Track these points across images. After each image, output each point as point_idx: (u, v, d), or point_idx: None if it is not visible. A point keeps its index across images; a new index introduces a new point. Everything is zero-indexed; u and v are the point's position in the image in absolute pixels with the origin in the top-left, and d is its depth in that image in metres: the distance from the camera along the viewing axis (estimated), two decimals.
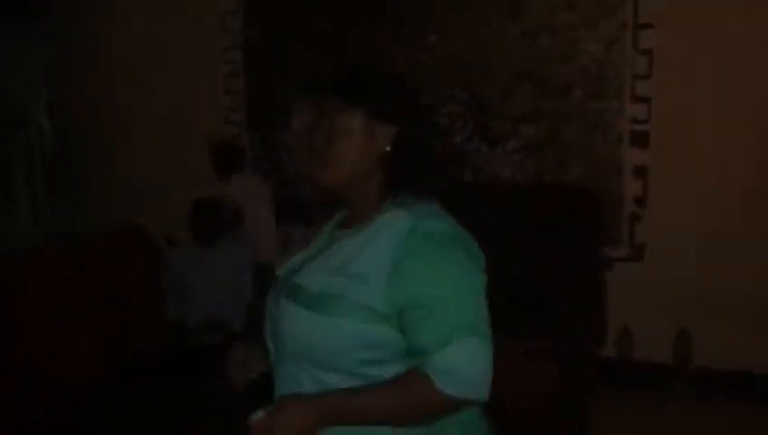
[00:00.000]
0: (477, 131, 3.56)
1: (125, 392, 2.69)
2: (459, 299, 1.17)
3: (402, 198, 1.26)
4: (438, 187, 1.30)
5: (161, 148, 4.21)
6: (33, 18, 4.29)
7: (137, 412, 2.57)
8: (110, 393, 2.70)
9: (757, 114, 3.11)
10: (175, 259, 3.33)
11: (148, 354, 2.99)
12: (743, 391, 3.18)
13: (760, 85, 3.10)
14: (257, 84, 4.00)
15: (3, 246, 4.26)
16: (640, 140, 3.31)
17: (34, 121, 4.45)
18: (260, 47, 3.94)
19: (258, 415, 1.16)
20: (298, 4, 3.87)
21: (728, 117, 3.15)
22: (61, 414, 2.59)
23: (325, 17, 3.78)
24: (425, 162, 1.29)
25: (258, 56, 3.96)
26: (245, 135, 4.08)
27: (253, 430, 1.16)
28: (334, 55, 3.76)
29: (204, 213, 3.25)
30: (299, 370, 1.24)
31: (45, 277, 2.94)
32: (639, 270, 3.37)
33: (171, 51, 4.10)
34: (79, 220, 4.48)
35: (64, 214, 4.53)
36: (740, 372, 3.21)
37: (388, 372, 1.19)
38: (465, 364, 1.14)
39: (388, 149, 1.27)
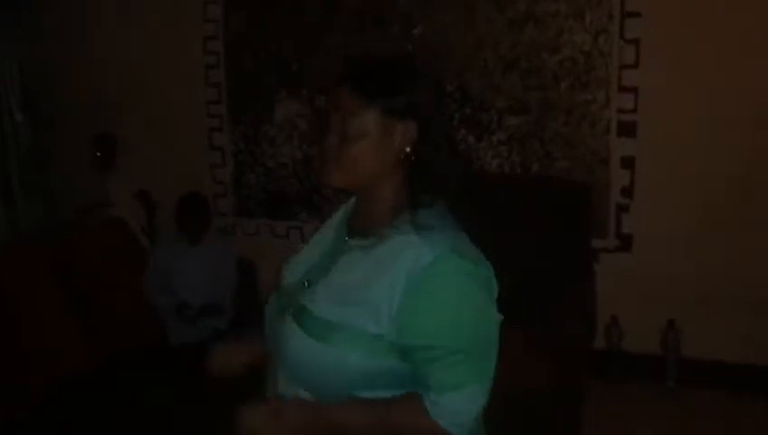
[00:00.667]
0: (463, 123, 3.52)
1: (107, 390, 2.64)
2: (474, 345, 1.15)
3: (419, 213, 1.18)
4: (464, 190, 1.23)
5: (141, 142, 4.13)
6: (7, 11, 4.18)
7: (119, 410, 2.53)
8: (92, 390, 2.65)
9: (745, 103, 3.10)
10: (160, 253, 3.30)
11: (131, 351, 2.93)
12: (731, 381, 3.18)
13: (748, 73, 3.09)
14: (239, 76, 3.92)
15: None
16: (627, 130, 3.29)
17: (9, 117, 4.34)
18: (242, 38, 3.87)
19: (253, 413, 1.13)
20: None
21: (716, 106, 3.14)
22: (42, 411, 2.55)
23: (309, 7, 3.71)
24: (449, 162, 1.21)
25: (240, 47, 3.89)
26: (227, 128, 4.00)
27: (249, 428, 1.13)
28: (318, 46, 3.70)
29: (191, 210, 3.24)
30: (299, 390, 1.21)
31: (22, 273, 2.87)
32: (627, 261, 3.36)
33: (152, 43, 4.01)
34: (55, 216, 4.38)
35: (40, 210, 4.43)
36: (728, 363, 3.22)
37: (390, 394, 1.18)
38: (468, 409, 1.16)
39: (408, 150, 1.18)
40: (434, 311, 1.12)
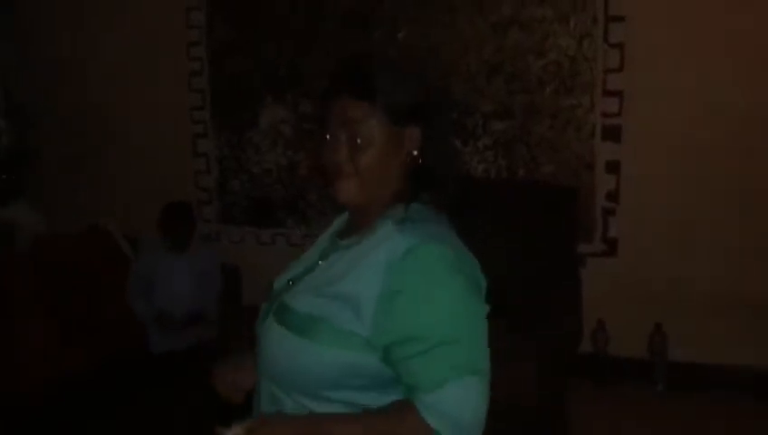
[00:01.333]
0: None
1: (86, 397, 2.62)
2: (457, 334, 1.07)
3: (410, 207, 1.15)
4: (463, 189, 1.20)
5: (125, 148, 4.09)
6: None
7: (100, 416, 2.52)
8: (72, 397, 2.63)
9: (730, 105, 3.11)
10: (144, 261, 3.26)
11: (112, 357, 2.91)
12: (717, 384, 3.18)
13: (733, 77, 3.10)
14: (223, 82, 3.89)
15: None
16: (612, 134, 3.29)
17: None
18: (226, 43, 3.85)
19: (233, 431, 1.08)
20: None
21: (701, 110, 3.15)
22: (23, 417, 2.54)
23: (293, 12, 3.70)
24: (451, 164, 1.19)
25: (224, 53, 3.86)
26: (211, 134, 3.97)
27: None
28: (303, 52, 3.68)
29: (179, 217, 3.21)
30: (279, 391, 1.17)
31: (4, 280, 2.84)
32: (613, 265, 3.36)
33: (135, 49, 3.98)
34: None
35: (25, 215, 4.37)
36: (714, 366, 3.21)
37: (371, 398, 1.12)
38: (461, 407, 1.06)
39: (415, 153, 1.15)
40: (410, 301, 1.06)
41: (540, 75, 3.36)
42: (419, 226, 1.13)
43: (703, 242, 3.22)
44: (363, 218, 1.20)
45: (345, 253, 1.18)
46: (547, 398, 2.46)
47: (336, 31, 3.63)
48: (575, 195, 3.25)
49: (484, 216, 3.06)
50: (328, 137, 1.17)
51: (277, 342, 1.16)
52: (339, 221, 1.34)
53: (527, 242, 3.02)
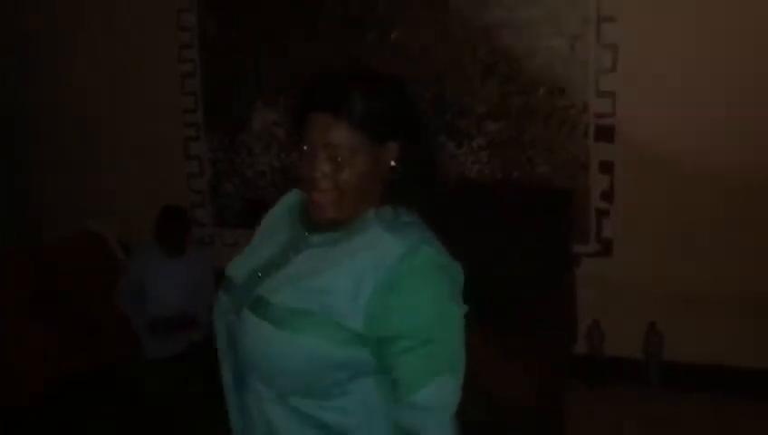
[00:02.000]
0: (443, 129, 3.51)
1: (80, 403, 2.61)
2: (444, 337, 1.14)
3: (389, 211, 1.19)
4: (440, 198, 1.23)
5: (117, 151, 4.07)
6: None
7: (100, 416, 2.53)
8: (65, 404, 2.62)
9: (722, 105, 3.12)
10: (137, 265, 3.23)
11: (105, 363, 2.89)
12: (713, 384, 3.19)
13: (725, 76, 3.11)
14: (216, 84, 3.88)
15: None
16: (606, 134, 3.30)
17: None
18: (218, 46, 3.83)
19: None
20: (256, 1, 3.77)
21: (694, 109, 3.16)
22: (23, 417, 2.54)
23: (286, 15, 3.68)
24: (431, 175, 1.22)
25: (216, 55, 3.84)
26: (204, 136, 3.95)
27: None
28: (295, 54, 3.67)
29: (175, 220, 3.19)
30: (264, 387, 1.17)
31: (5, 281, 2.83)
32: (607, 266, 3.36)
33: (126, 51, 3.95)
34: (28, 229, 4.29)
35: (12, 223, 4.34)
36: (710, 366, 3.22)
37: (355, 387, 1.15)
38: (441, 402, 1.14)
39: (393, 164, 1.18)
40: (406, 302, 1.11)
41: (533, 76, 3.36)
42: (408, 229, 1.17)
43: (697, 242, 3.23)
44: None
45: (325, 251, 1.19)
46: (546, 398, 2.46)
47: (330, 32, 3.62)
48: (570, 196, 3.27)
49: (479, 217, 3.08)
50: (306, 148, 1.18)
51: (257, 335, 1.16)
52: (287, 202, 1.35)
53: (522, 243, 3.03)
